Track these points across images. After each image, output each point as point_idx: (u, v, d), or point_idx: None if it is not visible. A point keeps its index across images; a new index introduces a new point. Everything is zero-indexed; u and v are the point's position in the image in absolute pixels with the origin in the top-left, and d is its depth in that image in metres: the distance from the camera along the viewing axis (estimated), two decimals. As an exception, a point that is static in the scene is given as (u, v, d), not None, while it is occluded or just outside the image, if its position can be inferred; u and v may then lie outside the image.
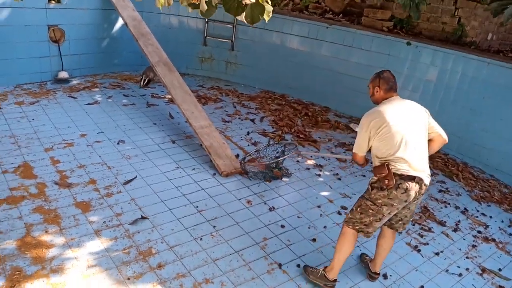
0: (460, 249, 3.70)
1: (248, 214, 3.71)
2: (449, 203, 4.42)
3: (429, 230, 3.89)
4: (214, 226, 3.49)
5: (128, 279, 2.83)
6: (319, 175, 4.57)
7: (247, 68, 7.16)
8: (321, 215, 3.87)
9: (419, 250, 3.59)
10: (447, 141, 2.93)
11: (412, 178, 2.64)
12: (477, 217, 4.25)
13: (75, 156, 4.19)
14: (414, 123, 2.73)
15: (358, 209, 2.82)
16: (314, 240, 3.51)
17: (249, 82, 7.24)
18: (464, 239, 3.86)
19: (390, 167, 2.65)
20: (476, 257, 3.63)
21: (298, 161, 4.80)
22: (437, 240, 3.77)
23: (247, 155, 4.44)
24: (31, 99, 5.30)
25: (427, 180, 2.71)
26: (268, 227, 3.59)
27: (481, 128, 5.28)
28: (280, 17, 6.56)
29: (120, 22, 6.38)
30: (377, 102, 2.85)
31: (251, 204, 3.86)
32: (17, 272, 2.74)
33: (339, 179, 4.55)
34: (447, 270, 3.41)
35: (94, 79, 6.33)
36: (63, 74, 5.95)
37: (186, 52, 7.14)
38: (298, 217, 3.79)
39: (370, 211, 2.76)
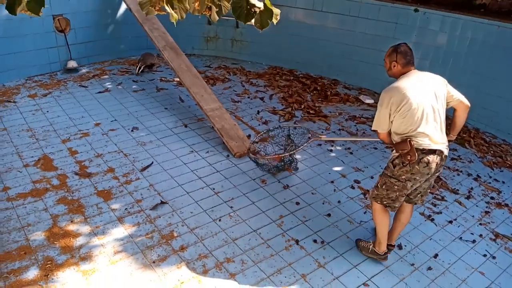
0: (473, 216, 3.77)
1: (263, 193, 3.81)
2: (461, 171, 4.46)
3: (442, 199, 3.96)
4: (232, 207, 3.60)
5: (154, 262, 2.97)
6: (331, 150, 4.63)
7: (253, 44, 7.12)
8: (334, 190, 3.95)
9: (432, 219, 3.67)
10: (469, 105, 2.91)
11: (433, 152, 2.69)
12: (489, 183, 4.30)
13: (91, 145, 4.31)
14: (433, 95, 2.72)
15: (384, 186, 2.89)
16: (329, 215, 3.61)
17: (256, 59, 7.22)
18: (477, 206, 3.92)
19: (412, 143, 2.68)
20: (489, 223, 3.70)
21: (309, 137, 4.84)
22: (450, 209, 3.84)
23: (252, 143, 4.23)
24: (43, 91, 5.39)
25: (446, 151, 2.76)
26: (283, 205, 3.69)
27: (492, 93, 5.23)
28: (283, -10, 6.47)
29: (123, 7, 6.36)
30: (395, 77, 2.84)
31: (265, 183, 3.96)
32: (49, 262, 2.89)
33: (351, 153, 4.60)
34: (460, 238, 3.49)
35: (103, 66, 6.39)
36: (72, 64, 6.01)
37: (191, 32, 7.12)
38: (312, 193, 3.88)
39: (395, 187, 2.83)
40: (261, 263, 3.05)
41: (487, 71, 5.23)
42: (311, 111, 5.46)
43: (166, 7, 1.87)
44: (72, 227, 3.22)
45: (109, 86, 5.71)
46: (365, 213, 3.67)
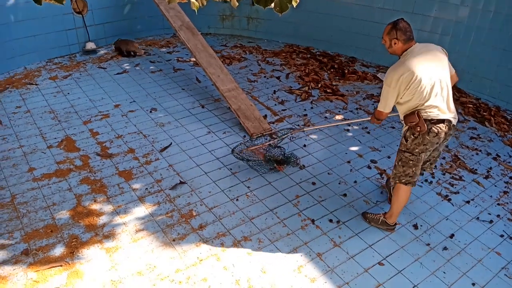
0: (491, 196, 3.75)
1: (279, 174, 3.86)
2: (480, 150, 4.40)
3: (460, 178, 3.94)
4: (249, 187, 3.67)
5: (174, 240, 3.08)
6: (348, 130, 4.62)
7: (269, 22, 7.04)
8: (351, 170, 3.97)
9: (449, 199, 3.67)
10: (458, 79, 3.04)
11: (441, 121, 2.79)
12: (509, 162, 4.24)
13: (112, 126, 4.40)
14: (439, 67, 2.76)
15: (400, 163, 2.99)
16: (345, 195, 3.64)
17: (272, 37, 7.15)
18: (495, 185, 3.89)
19: (420, 115, 2.77)
20: (507, 203, 3.67)
21: (326, 117, 4.84)
22: (468, 189, 3.82)
23: (239, 145, 3.91)
24: (64, 73, 5.50)
25: (454, 121, 2.86)
26: (299, 185, 3.73)
27: (515, 69, 5.10)
28: (300, -34, 6.33)
29: (139, -13, 6.36)
30: (396, 54, 2.85)
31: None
32: (74, 240, 3.03)
33: (368, 132, 4.58)
34: (477, 218, 3.48)
35: (120, 47, 6.43)
36: (91, 45, 6.07)
37: (206, 11, 7.02)
38: (328, 173, 3.91)
39: (411, 162, 2.93)
40: (278, 242, 3.12)
41: (509, 46, 5.07)
42: (328, 90, 5.42)
43: (188, -4, 1.87)
44: (95, 206, 3.35)
45: (127, 67, 5.77)
46: (381, 193, 3.69)
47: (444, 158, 4.22)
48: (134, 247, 3.01)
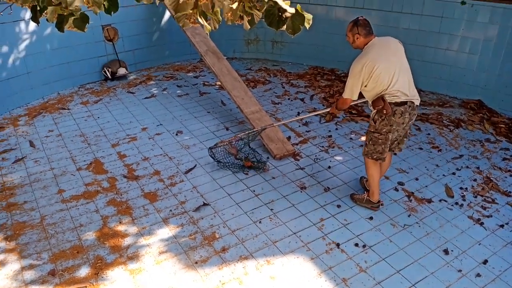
0: (527, 220, 3.57)
1: (303, 196, 3.81)
2: (514, 172, 4.22)
3: (493, 201, 3.77)
4: (272, 209, 3.64)
5: (196, 263, 3.07)
6: (373, 151, 4.54)
7: (293, 45, 7.12)
8: (377, 192, 3.87)
9: (482, 223, 3.51)
10: None
11: (404, 103, 3.14)
12: (546, 184, 4.04)
13: (139, 149, 4.50)
14: (398, 56, 3.16)
15: (370, 142, 3.34)
16: (371, 218, 3.55)
17: (297, 60, 7.21)
18: (532, 209, 3.70)
19: (385, 99, 3.12)
20: (545, 227, 3.48)
21: (351, 138, 4.79)
22: (501, 212, 3.65)
23: (219, 142, 4.20)
24: (95, 98, 5.70)
25: (417, 102, 3.22)
26: (324, 208, 3.67)
27: (550, 87, 4.91)
28: (324, -11, 6.42)
29: (167, 14, 6.59)
30: (359, 48, 3.24)
31: (305, 185, 3.96)
32: (99, 261, 3.07)
33: (395, 154, 4.48)
34: (513, 243, 3.31)
35: (149, 72, 6.64)
36: (122, 71, 6.29)
37: (231, 36, 7.22)
38: (353, 195, 3.83)
39: (380, 141, 3.28)
40: (301, 266, 3.06)
41: (543, 64, 4.92)
42: (353, 111, 5.37)
43: (200, 20, 1.93)
44: (120, 228, 3.39)
45: (155, 92, 5.93)
46: (409, 216, 3.58)
47: (475, 180, 4.07)
48: (157, 269, 3.01)
